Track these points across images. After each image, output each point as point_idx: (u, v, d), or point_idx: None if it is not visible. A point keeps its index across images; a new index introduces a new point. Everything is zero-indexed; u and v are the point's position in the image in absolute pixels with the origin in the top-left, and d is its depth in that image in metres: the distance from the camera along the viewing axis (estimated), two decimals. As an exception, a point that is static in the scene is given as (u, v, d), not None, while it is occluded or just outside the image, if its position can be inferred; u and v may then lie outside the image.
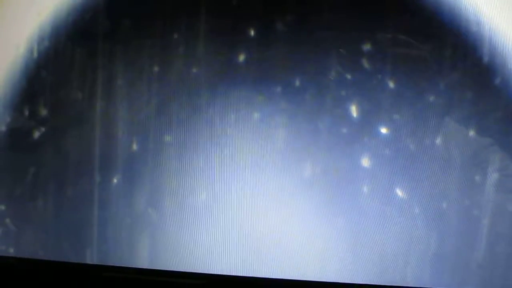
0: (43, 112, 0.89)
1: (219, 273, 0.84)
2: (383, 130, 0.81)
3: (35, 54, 0.88)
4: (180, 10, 0.85)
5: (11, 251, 0.90)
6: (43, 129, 0.89)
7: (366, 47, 0.80)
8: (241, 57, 0.83)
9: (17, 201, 0.90)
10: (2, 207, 0.90)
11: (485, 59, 0.78)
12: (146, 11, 0.86)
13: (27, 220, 0.90)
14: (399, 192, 0.81)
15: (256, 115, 0.83)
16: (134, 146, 0.86)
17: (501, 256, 0.80)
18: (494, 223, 0.80)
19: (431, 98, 0.79)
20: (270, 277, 0.83)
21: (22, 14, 0.88)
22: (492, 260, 0.80)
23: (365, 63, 0.81)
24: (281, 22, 0.82)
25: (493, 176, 0.79)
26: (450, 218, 0.80)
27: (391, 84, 0.80)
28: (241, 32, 0.83)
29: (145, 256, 0.86)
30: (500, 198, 0.79)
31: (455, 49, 0.79)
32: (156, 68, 0.86)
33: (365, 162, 0.81)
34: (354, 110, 0.81)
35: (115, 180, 0.87)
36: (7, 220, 0.90)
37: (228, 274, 0.84)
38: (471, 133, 0.79)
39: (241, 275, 0.84)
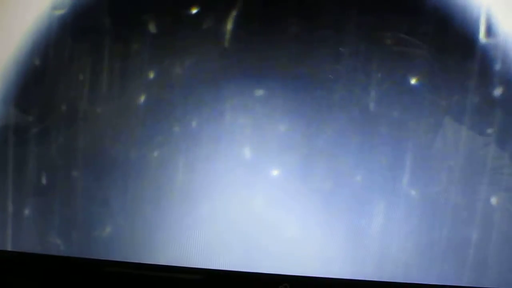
0: (40, 109, 0.89)
1: (218, 268, 0.85)
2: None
3: (33, 50, 0.88)
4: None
5: (11, 246, 0.90)
6: (39, 125, 0.89)
7: (363, 43, 0.81)
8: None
9: (17, 196, 0.90)
10: (3, 202, 0.90)
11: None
12: (145, 7, 0.86)
13: (28, 215, 0.90)
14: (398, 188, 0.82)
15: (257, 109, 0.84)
16: (134, 142, 0.86)
17: (497, 252, 0.81)
18: (491, 220, 0.80)
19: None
20: (269, 272, 0.83)
21: (21, 10, 0.88)
22: (490, 256, 0.81)
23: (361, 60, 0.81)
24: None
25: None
26: (448, 214, 0.81)
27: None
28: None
29: (143, 251, 0.86)
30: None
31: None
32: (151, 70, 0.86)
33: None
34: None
35: (114, 176, 0.87)
36: (7, 214, 0.90)
37: (227, 269, 0.84)
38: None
39: (240, 270, 0.84)
